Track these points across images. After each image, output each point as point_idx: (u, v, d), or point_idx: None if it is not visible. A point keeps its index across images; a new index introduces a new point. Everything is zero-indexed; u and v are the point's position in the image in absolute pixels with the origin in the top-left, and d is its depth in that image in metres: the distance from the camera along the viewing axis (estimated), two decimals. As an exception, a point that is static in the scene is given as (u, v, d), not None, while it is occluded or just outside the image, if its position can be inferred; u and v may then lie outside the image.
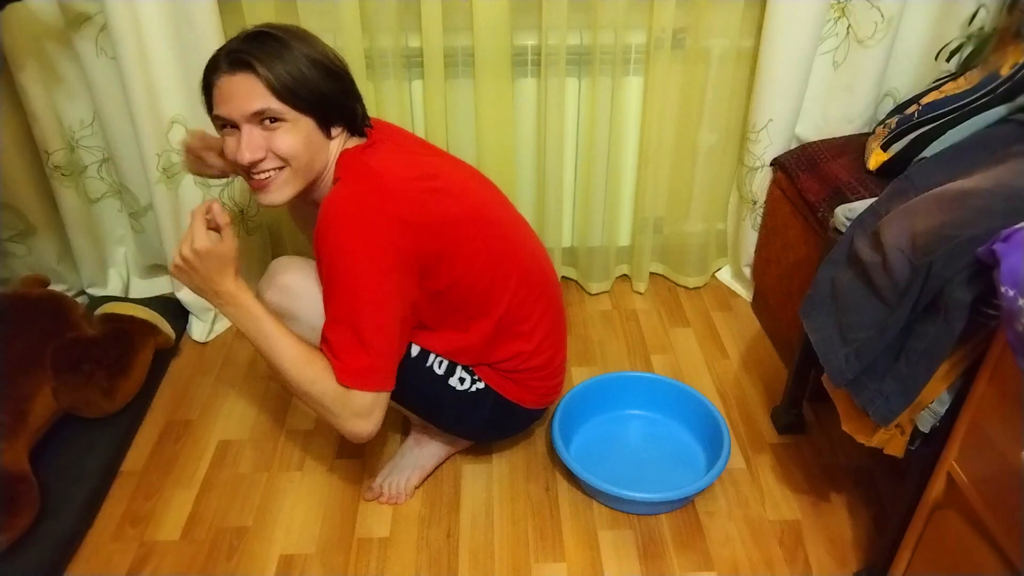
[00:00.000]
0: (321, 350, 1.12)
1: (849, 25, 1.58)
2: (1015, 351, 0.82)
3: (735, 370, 1.69)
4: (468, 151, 1.74)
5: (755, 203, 1.78)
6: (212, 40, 1.51)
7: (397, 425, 1.55)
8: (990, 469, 0.93)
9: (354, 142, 1.18)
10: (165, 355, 1.69)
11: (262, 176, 1.12)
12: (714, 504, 1.38)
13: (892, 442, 1.06)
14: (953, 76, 1.40)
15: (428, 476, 1.43)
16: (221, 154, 1.25)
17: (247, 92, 1.06)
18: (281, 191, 1.13)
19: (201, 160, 1.33)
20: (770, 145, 1.70)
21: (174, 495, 1.41)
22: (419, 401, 1.28)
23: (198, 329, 1.78)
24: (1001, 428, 0.90)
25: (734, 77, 1.69)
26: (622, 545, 1.31)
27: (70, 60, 1.55)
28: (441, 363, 1.25)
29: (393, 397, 1.19)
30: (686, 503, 1.37)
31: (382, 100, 1.64)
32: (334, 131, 1.15)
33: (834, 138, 1.65)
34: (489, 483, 1.43)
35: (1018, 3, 1.32)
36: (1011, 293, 0.81)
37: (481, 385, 1.28)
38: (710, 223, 1.90)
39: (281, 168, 1.11)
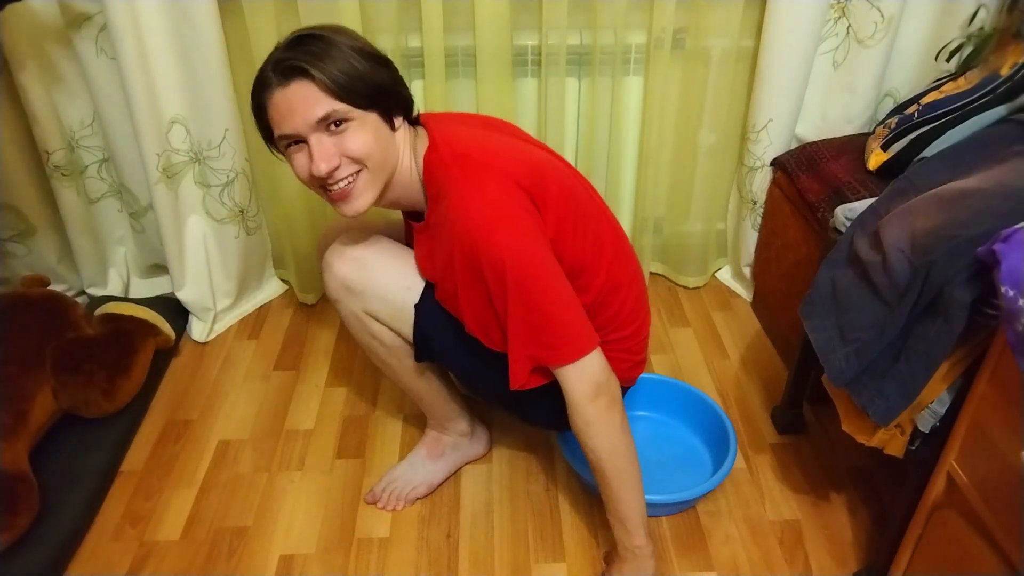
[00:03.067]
0: (550, 361, 1.08)
1: (849, 25, 1.58)
2: (1015, 351, 0.82)
3: (735, 370, 1.69)
4: (468, 151, 1.74)
5: (755, 203, 1.78)
6: (212, 40, 1.51)
7: (397, 429, 1.55)
8: (990, 469, 0.93)
9: (420, 134, 1.15)
10: (165, 355, 1.69)
11: (341, 185, 1.06)
12: (714, 504, 1.38)
13: (892, 442, 1.06)
14: (953, 76, 1.40)
15: (434, 491, 1.41)
16: None
17: (306, 99, 1.01)
18: (363, 195, 1.08)
19: None
20: (770, 145, 1.70)
21: (174, 495, 1.41)
22: (494, 385, 1.19)
23: (198, 329, 1.78)
24: (1001, 428, 0.90)
25: (734, 77, 1.69)
26: (622, 545, 1.31)
27: (70, 60, 1.55)
28: None
29: (462, 375, 1.23)
30: (690, 506, 1.37)
31: (382, 100, 1.64)
32: (397, 122, 1.10)
33: (834, 138, 1.65)
34: (489, 483, 1.43)
35: (1018, 3, 1.32)
36: (1011, 293, 0.81)
37: None
38: (710, 223, 1.90)
39: (358, 172, 1.06)
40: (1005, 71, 1.24)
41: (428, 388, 1.34)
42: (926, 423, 1.02)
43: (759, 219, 1.79)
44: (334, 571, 1.28)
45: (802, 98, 1.67)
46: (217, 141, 1.63)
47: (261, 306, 1.91)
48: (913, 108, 1.38)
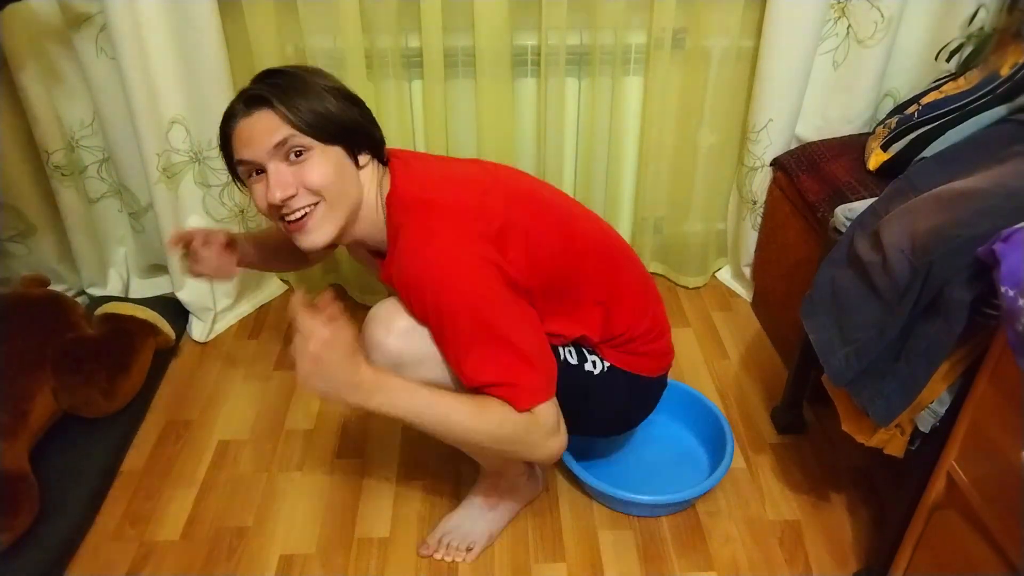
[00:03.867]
0: (484, 391, 1.04)
1: (849, 25, 1.58)
2: (1015, 351, 0.82)
3: (735, 370, 1.69)
4: (468, 151, 1.74)
5: (755, 203, 1.78)
6: (212, 40, 1.51)
7: (397, 429, 1.55)
8: (990, 469, 0.93)
9: (387, 175, 1.13)
10: (165, 355, 1.69)
11: (297, 215, 1.05)
12: (714, 504, 1.38)
13: (892, 442, 1.06)
14: (953, 76, 1.40)
15: (494, 542, 1.32)
16: (224, 246, 1.26)
17: (266, 127, 1.02)
18: (320, 229, 1.06)
19: (202, 257, 1.26)
20: (770, 145, 1.70)
21: (174, 495, 1.41)
22: (567, 400, 1.14)
23: (198, 329, 1.78)
24: (1001, 428, 0.90)
25: (734, 77, 1.69)
26: (622, 545, 1.31)
27: (70, 60, 1.55)
28: (571, 352, 1.18)
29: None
30: (688, 505, 1.37)
31: (382, 100, 1.64)
32: (362, 159, 1.10)
33: (834, 138, 1.65)
34: (489, 483, 1.43)
35: (1018, 3, 1.32)
36: (1011, 293, 0.81)
37: (607, 365, 1.20)
38: (710, 223, 1.90)
39: (316, 203, 1.05)
40: (1005, 71, 1.24)
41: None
42: (926, 423, 1.02)
43: (759, 219, 1.79)
44: (334, 571, 1.28)
45: (802, 98, 1.67)
46: (217, 141, 1.62)
47: (261, 306, 1.91)
48: (913, 108, 1.38)
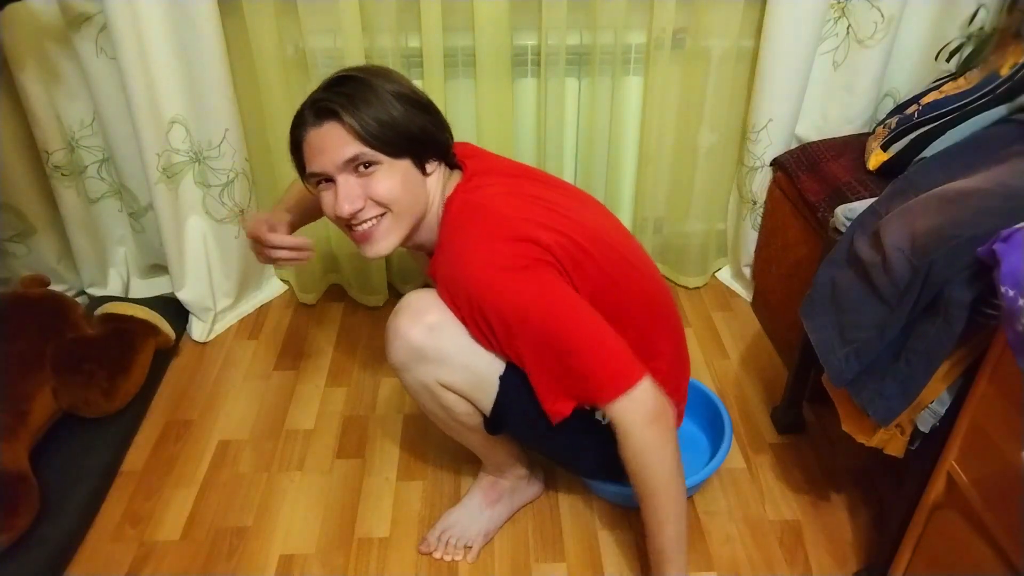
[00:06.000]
0: (586, 398, 1.04)
1: (849, 25, 1.58)
2: (1015, 351, 0.82)
3: (735, 370, 1.69)
4: (468, 151, 1.74)
5: (755, 203, 1.78)
6: (212, 40, 1.51)
7: (397, 429, 1.55)
8: (990, 469, 0.93)
9: (453, 178, 1.14)
10: (165, 355, 1.69)
11: (364, 227, 1.07)
12: (714, 504, 1.38)
13: (892, 442, 1.06)
14: (953, 76, 1.40)
15: (491, 539, 1.33)
16: (290, 223, 1.24)
17: (336, 141, 1.03)
18: (386, 239, 1.09)
19: (267, 244, 1.19)
20: (770, 145, 1.70)
21: (174, 495, 1.41)
22: (565, 442, 1.17)
23: (198, 329, 1.78)
24: (1001, 428, 0.90)
25: (734, 77, 1.69)
26: (622, 545, 1.31)
27: (70, 60, 1.55)
28: None
29: (537, 444, 1.19)
30: (690, 493, 1.37)
31: (382, 100, 1.64)
32: (429, 167, 1.10)
33: (834, 138, 1.65)
34: (489, 483, 1.43)
35: (1018, 3, 1.32)
36: (1011, 293, 0.81)
37: None
38: (710, 223, 1.90)
39: (382, 215, 1.07)
40: (1005, 71, 1.24)
41: (489, 443, 1.25)
42: (926, 423, 1.02)
43: (759, 219, 1.79)
44: (334, 571, 1.28)
45: (802, 98, 1.67)
46: (217, 141, 1.63)
47: (261, 306, 1.91)
48: (913, 108, 1.38)
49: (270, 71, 1.59)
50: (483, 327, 1.04)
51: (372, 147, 1.03)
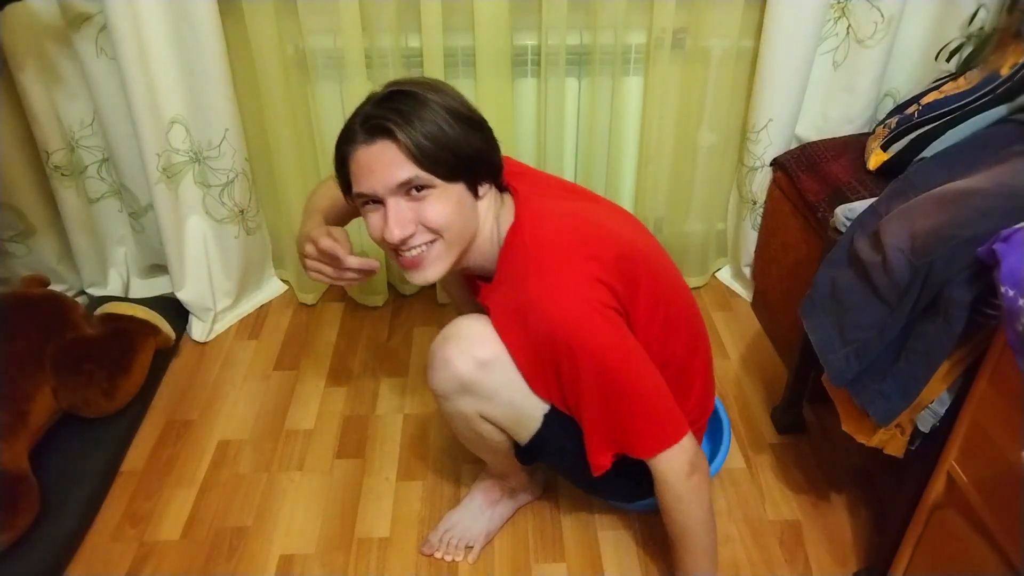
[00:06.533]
0: (636, 452, 1.04)
1: (849, 25, 1.58)
2: (1015, 351, 0.82)
3: (735, 370, 1.69)
4: (468, 151, 1.74)
5: (755, 203, 1.78)
6: (212, 40, 1.51)
7: (397, 429, 1.55)
8: (990, 469, 0.93)
9: (506, 202, 1.10)
10: (165, 355, 1.69)
11: (413, 252, 1.02)
12: (714, 504, 1.38)
13: (892, 442, 1.06)
14: (953, 76, 1.40)
15: (492, 539, 1.33)
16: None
17: (389, 163, 0.97)
18: (435, 266, 1.03)
19: (345, 266, 1.10)
20: (770, 145, 1.70)
21: (174, 495, 1.41)
22: (597, 479, 1.12)
23: (198, 329, 1.78)
24: (1001, 428, 0.90)
25: (734, 77, 1.69)
26: (622, 545, 1.31)
27: (70, 60, 1.55)
28: None
29: (568, 476, 1.21)
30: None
31: (382, 100, 1.64)
32: (482, 190, 1.05)
33: (834, 138, 1.65)
34: (489, 483, 1.43)
35: (1018, 3, 1.32)
36: (1011, 293, 0.81)
37: None
38: (710, 223, 1.90)
39: (433, 241, 1.02)
40: (1005, 71, 1.24)
41: (505, 459, 1.22)
42: (926, 423, 1.02)
43: (759, 219, 1.79)
44: (334, 571, 1.28)
45: (802, 98, 1.67)
46: (217, 141, 1.63)
47: (261, 306, 1.91)
48: (913, 108, 1.38)
49: (270, 71, 1.59)
50: (548, 365, 1.01)
51: (426, 170, 0.97)
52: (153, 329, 1.59)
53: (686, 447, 1.04)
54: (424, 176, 0.97)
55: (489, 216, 1.08)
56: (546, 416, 1.08)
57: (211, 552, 1.30)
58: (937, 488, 1.03)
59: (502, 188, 1.12)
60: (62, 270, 1.81)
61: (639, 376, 1.03)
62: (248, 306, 1.89)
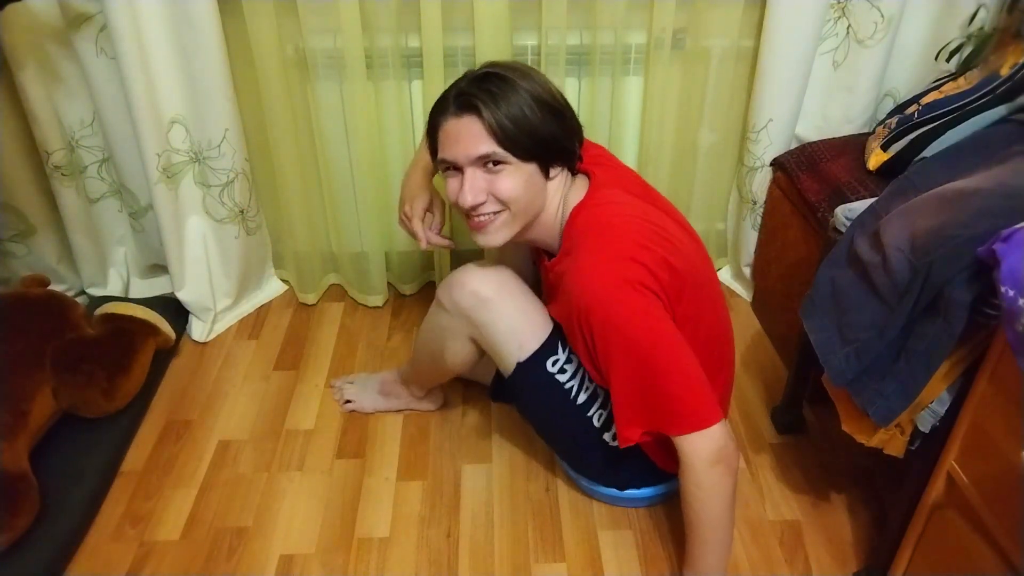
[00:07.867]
0: (668, 431, 1.08)
1: (849, 25, 1.58)
2: (1015, 351, 0.82)
3: (735, 370, 1.69)
4: (468, 151, 1.74)
5: (755, 203, 1.78)
6: (212, 40, 1.51)
7: (397, 429, 1.55)
8: (990, 469, 0.93)
9: (577, 184, 1.20)
10: (165, 355, 1.69)
11: (482, 218, 1.14)
12: (714, 504, 1.38)
13: (892, 442, 1.06)
14: (953, 76, 1.40)
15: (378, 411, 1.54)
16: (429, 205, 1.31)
17: (473, 136, 1.08)
18: (499, 233, 1.15)
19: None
20: (770, 145, 1.70)
21: (174, 495, 1.41)
22: (565, 442, 1.31)
23: (198, 329, 1.78)
24: (1001, 428, 0.90)
25: (734, 77, 1.69)
26: (622, 545, 1.31)
27: (70, 60, 1.55)
28: (600, 416, 1.24)
29: (544, 432, 1.31)
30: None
31: (382, 100, 1.64)
32: (553, 172, 1.16)
33: (834, 138, 1.65)
34: (489, 483, 1.43)
35: (1018, 3, 1.32)
36: (1011, 293, 0.81)
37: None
38: (710, 223, 1.90)
39: (500, 211, 1.14)
40: (1005, 71, 1.24)
41: (435, 375, 1.43)
42: (926, 423, 1.02)
43: (759, 219, 1.79)
44: (334, 571, 1.28)
45: (802, 98, 1.67)
46: (217, 141, 1.63)
47: (261, 306, 1.91)
48: (913, 108, 1.38)
49: (270, 71, 1.58)
50: (587, 337, 1.10)
51: (504, 147, 1.08)
52: (153, 329, 1.59)
53: (715, 435, 1.07)
54: (501, 153, 1.09)
55: (556, 196, 1.18)
56: (521, 364, 1.21)
57: (211, 552, 1.30)
58: (937, 488, 1.03)
59: (575, 172, 1.22)
60: (62, 270, 1.81)
61: (673, 355, 1.07)
62: (248, 306, 1.89)
